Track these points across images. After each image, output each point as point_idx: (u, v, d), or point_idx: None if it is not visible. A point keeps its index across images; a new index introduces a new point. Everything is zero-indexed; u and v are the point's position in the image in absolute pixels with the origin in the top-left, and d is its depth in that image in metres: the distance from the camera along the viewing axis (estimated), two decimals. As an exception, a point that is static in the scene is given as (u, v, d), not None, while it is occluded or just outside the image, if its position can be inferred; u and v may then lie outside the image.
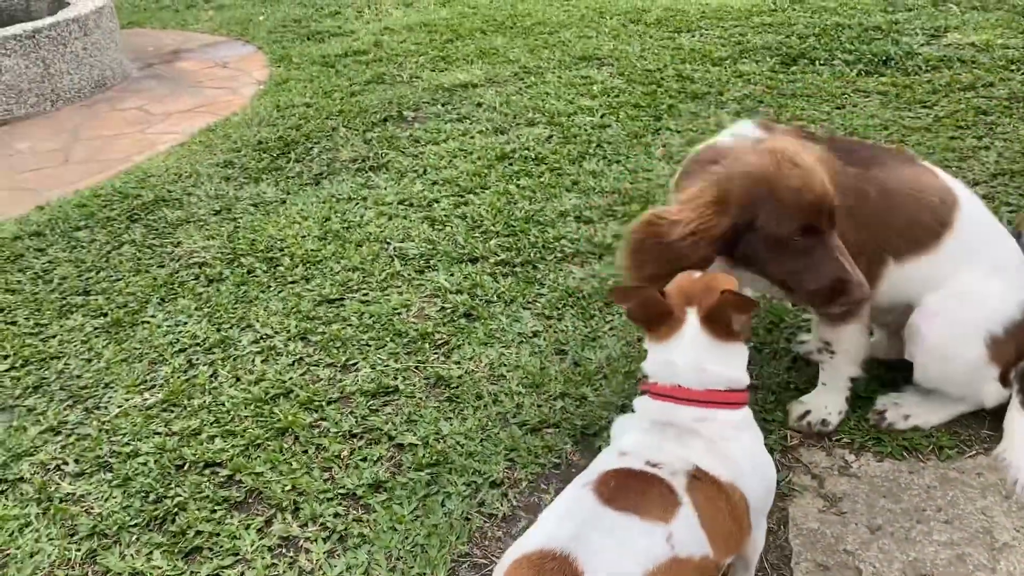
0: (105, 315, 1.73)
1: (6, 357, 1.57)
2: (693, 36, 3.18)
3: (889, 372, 1.28)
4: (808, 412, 1.18)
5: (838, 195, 0.94)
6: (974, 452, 1.17)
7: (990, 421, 1.19)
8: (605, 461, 0.80)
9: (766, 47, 2.92)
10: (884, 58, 2.73)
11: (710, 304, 0.77)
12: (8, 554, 1.12)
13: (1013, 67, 2.64)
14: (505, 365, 1.44)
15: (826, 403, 1.18)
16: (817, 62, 2.76)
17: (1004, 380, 1.09)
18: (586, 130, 2.36)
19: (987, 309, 1.06)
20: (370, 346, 1.53)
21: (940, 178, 1.13)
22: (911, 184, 1.08)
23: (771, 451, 1.09)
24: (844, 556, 0.99)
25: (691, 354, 0.78)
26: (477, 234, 1.89)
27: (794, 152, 0.92)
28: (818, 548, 1.00)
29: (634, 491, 0.71)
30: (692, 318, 0.79)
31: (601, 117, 2.45)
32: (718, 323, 0.77)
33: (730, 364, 0.80)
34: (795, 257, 0.92)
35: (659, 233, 0.92)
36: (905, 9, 3.31)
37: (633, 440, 0.80)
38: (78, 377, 1.54)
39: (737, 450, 0.79)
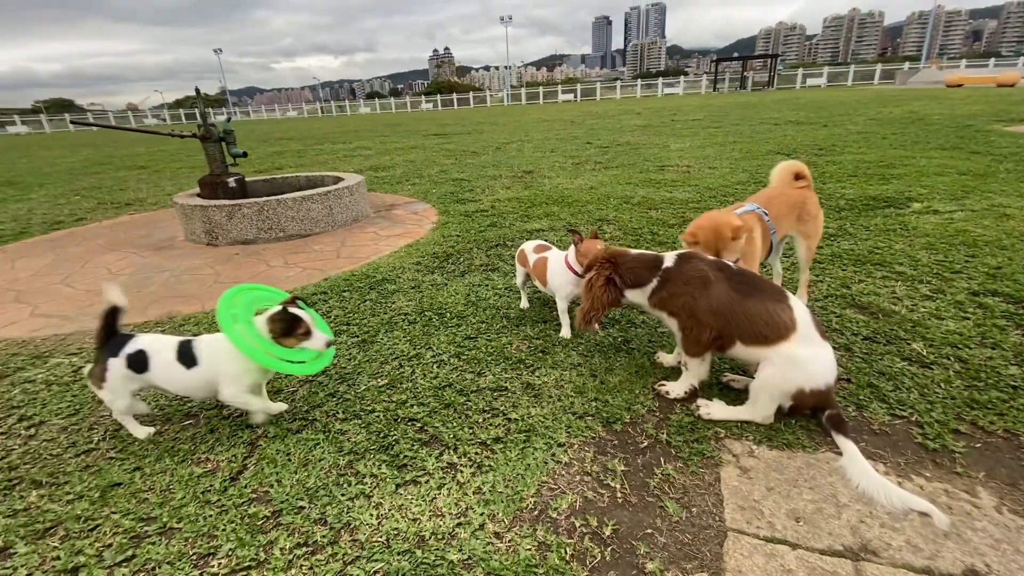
0: (356, 336, 2.65)
1: (304, 356, 2.68)
2: (658, 212, 4.86)
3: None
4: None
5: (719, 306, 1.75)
6: (824, 449, 1.70)
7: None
8: None
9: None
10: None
11: None
12: (308, 459, 1.76)
13: None
14: (563, 380, 2.17)
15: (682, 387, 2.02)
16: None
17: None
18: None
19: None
20: (491, 363, 2.33)
21: (792, 309, 1.72)
22: (768, 310, 1.72)
23: (706, 441, 1.76)
24: (752, 503, 1.51)
25: None
26: (549, 307, 2.87)
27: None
28: (738, 497, 1.54)
29: None
30: None
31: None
32: None
33: None
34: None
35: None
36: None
37: None
38: (343, 368, 2.33)
39: None
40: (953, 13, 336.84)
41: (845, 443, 1.64)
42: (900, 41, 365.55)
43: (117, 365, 1.84)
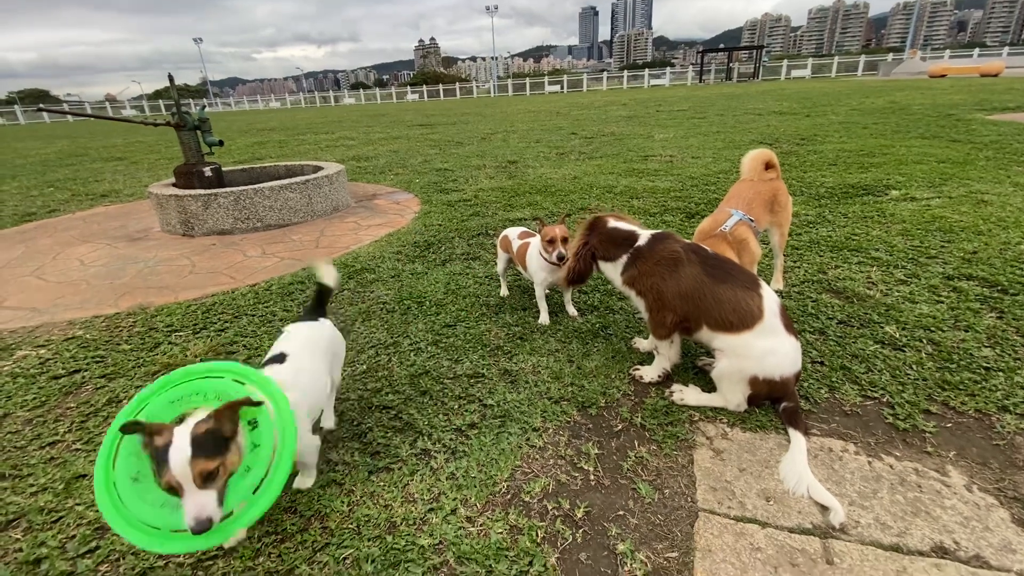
0: (333, 326, 2.75)
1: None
2: (640, 201, 4.82)
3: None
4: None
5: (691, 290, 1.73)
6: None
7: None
8: None
9: (678, 208, 4.44)
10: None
11: None
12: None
13: None
14: (540, 366, 2.16)
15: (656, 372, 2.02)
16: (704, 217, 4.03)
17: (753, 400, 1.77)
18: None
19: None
20: (469, 351, 2.32)
21: (762, 297, 1.69)
22: (738, 296, 1.70)
23: (680, 424, 1.76)
24: (724, 484, 1.52)
25: None
26: (528, 295, 2.81)
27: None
28: (710, 478, 1.54)
29: None
30: None
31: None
32: None
33: None
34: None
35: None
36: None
37: None
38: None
39: None
40: (938, 3, 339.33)
41: (795, 436, 1.63)
42: (884, 32, 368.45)
43: None
